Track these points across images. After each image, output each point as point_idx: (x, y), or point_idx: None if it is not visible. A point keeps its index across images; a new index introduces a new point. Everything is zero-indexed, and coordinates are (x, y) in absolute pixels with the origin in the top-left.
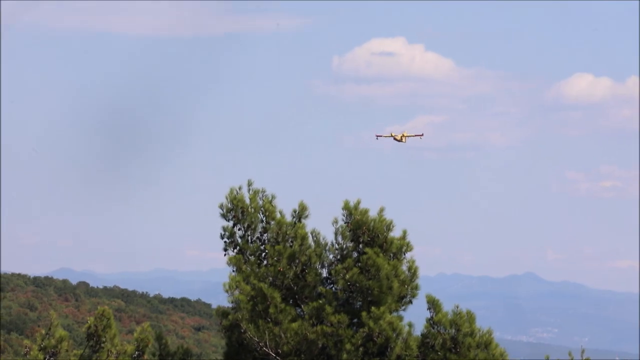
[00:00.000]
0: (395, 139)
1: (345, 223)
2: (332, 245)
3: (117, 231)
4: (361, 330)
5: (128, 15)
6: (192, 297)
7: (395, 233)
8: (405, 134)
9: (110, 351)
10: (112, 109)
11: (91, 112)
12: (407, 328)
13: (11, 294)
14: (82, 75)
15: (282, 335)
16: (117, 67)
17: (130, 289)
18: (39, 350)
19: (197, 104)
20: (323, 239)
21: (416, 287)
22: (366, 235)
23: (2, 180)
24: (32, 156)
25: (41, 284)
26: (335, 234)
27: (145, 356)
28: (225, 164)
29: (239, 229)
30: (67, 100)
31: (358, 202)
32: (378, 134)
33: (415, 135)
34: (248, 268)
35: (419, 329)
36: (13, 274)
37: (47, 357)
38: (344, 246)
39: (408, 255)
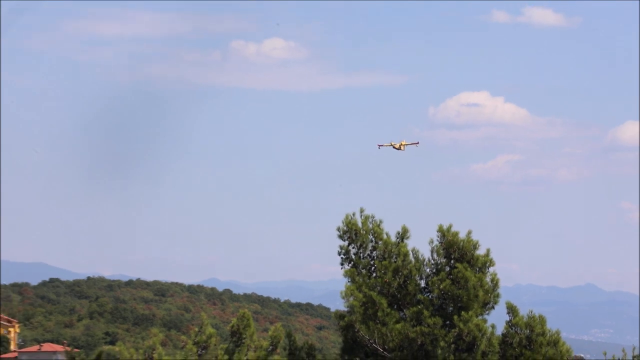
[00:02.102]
0: (394, 147)
1: (439, 243)
2: (429, 261)
3: (255, 248)
4: (453, 330)
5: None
6: (315, 303)
7: (480, 251)
8: (403, 143)
9: (250, 346)
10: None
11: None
12: (490, 329)
13: (171, 298)
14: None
15: (388, 334)
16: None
17: (265, 295)
18: (193, 344)
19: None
20: (421, 255)
21: (497, 296)
22: (456, 253)
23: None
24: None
25: (194, 291)
26: (431, 251)
27: (278, 350)
28: (346, 199)
29: (352, 248)
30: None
31: (450, 226)
32: (380, 144)
33: (412, 144)
34: (360, 279)
35: (499, 329)
36: (172, 283)
37: (199, 350)
38: (438, 262)
39: (491, 269)
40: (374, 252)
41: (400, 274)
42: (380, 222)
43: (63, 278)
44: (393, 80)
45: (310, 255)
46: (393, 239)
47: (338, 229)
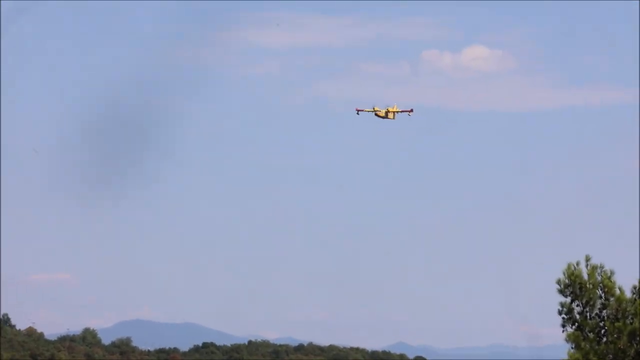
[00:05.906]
0: (377, 114)
1: None
2: None
3: (448, 305)
4: None
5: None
6: None
7: None
8: (392, 109)
9: None
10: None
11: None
12: None
13: None
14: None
15: None
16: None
17: None
18: None
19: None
20: None
21: None
22: None
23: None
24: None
25: (379, 358)
26: None
27: None
28: (562, 244)
29: (577, 305)
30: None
31: None
32: (359, 109)
33: (405, 111)
34: (587, 345)
35: None
36: (351, 348)
37: None
38: None
39: None
40: (604, 311)
41: (638, 338)
42: (612, 273)
43: (219, 342)
44: (621, 96)
45: (511, 314)
46: (628, 294)
47: (558, 282)
